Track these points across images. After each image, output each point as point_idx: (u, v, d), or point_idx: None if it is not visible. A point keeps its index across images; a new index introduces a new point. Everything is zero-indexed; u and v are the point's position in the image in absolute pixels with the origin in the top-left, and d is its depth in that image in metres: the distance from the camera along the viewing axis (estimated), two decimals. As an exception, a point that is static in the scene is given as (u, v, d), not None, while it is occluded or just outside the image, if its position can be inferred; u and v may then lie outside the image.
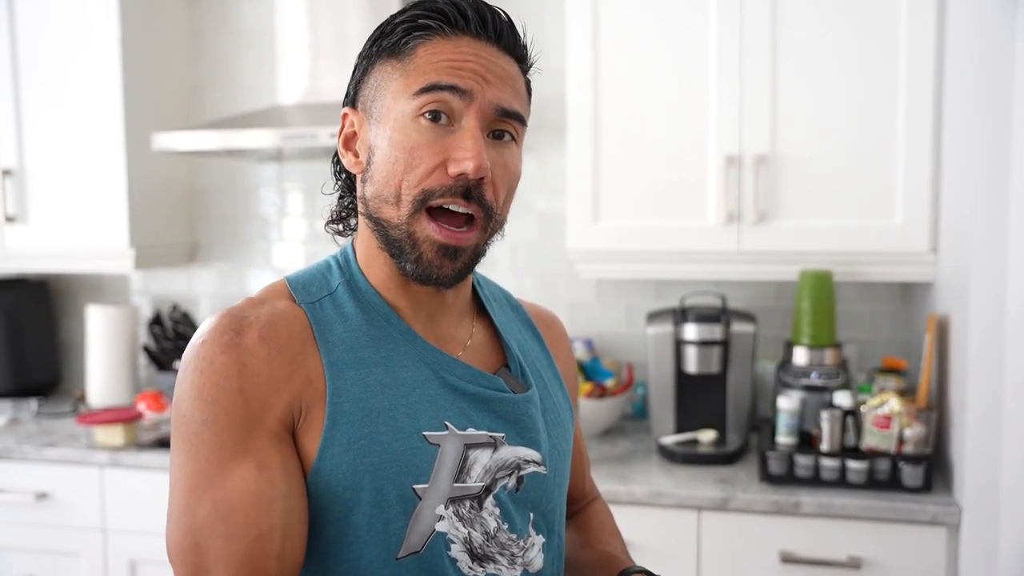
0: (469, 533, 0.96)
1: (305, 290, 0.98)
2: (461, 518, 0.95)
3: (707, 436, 2.30)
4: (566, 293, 2.77)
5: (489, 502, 0.98)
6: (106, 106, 2.63)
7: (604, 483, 2.10)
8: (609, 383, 2.52)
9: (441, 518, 0.94)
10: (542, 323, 1.18)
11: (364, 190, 0.98)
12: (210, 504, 0.87)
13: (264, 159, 2.87)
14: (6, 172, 2.71)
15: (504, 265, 2.78)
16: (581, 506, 1.26)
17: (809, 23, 2.23)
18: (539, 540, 1.03)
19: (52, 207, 2.71)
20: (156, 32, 2.80)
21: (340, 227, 1.07)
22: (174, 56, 2.90)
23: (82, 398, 2.91)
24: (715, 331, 2.28)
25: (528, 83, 1.01)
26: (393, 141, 0.93)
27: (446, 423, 0.95)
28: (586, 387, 2.46)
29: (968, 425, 1.90)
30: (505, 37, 0.96)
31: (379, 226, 0.96)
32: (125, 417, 2.41)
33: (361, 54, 1.00)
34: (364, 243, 1.01)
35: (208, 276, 3.03)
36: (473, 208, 0.93)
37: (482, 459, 0.97)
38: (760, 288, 2.63)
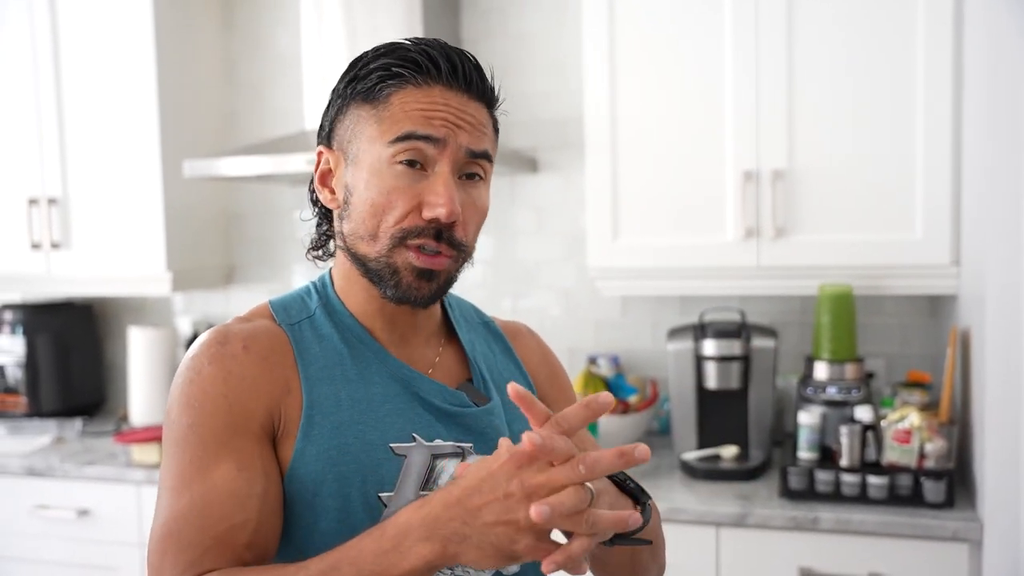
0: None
1: (286, 312, 1.06)
2: None
3: (729, 452, 2.30)
4: (591, 310, 2.79)
5: None
6: (143, 134, 2.73)
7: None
8: (632, 399, 2.53)
9: None
10: (511, 334, 1.22)
11: (341, 226, 1.04)
12: (189, 498, 0.93)
13: (297, 182, 2.95)
14: (51, 201, 2.83)
15: (529, 282, 2.81)
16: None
17: (826, 37, 2.23)
18: None
19: (93, 233, 2.82)
20: (191, 60, 2.90)
21: (320, 253, 1.13)
22: (209, 83, 3.00)
23: (125, 417, 3.01)
24: (734, 346, 2.28)
25: (495, 121, 1.07)
26: (370, 184, 0.99)
27: (414, 435, 1.01)
28: (609, 403, 2.47)
29: (988, 439, 1.88)
30: (474, 84, 1.02)
31: (356, 259, 1.04)
32: (160, 436, 2.48)
33: (335, 92, 1.06)
34: (342, 270, 1.08)
35: (246, 297, 3.11)
36: (443, 247, 1.00)
37: (450, 468, 1.01)
38: (784, 303, 2.62)
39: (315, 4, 2.63)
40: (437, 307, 1.13)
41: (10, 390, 2.99)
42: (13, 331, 2.96)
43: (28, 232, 2.85)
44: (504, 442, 0.82)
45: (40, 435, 2.84)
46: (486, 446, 1.05)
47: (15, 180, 2.87)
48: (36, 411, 2.98)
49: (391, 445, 1.00)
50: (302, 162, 2.41)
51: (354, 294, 1.07)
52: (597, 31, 2.37)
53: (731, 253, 2.31)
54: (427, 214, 0.98)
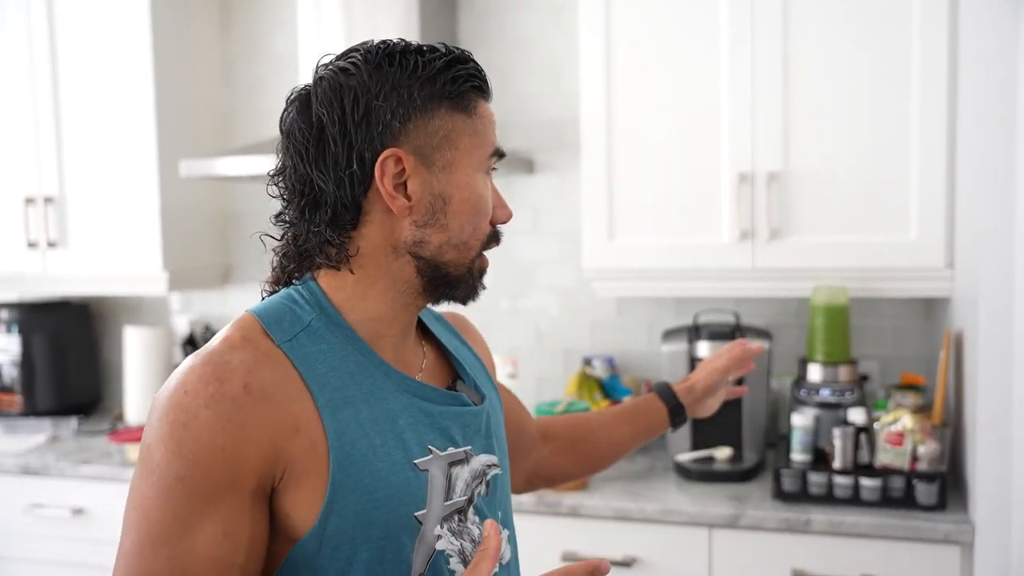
0: (461, 545, 1.02)
1: (279, 326, 0.96)
2: (454, 533, 1.00)
3: (723, 453, 2.31)
4: (587, 311, 2.79)
5: (470, 512, 1.04)
6: (140, 133, 2.74)
7: (617, 499, 2.12)
8: (627, 400, 2.53)
9: (439, 537, 0.99)
10: (459, 326, 1.24)
11: (421, 234, 0.99)
12: (166, 558, 0.87)
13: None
14: (48, 200, 2.83)
15: (525, 283, 2.81)
16: (545, 431, 1.40)
17: (821, 40, 2.23)
18: (505, 533, 1.11)
19: (90, 232, 2.82)
20: (188, 60, 2.90)
21: (277, 288, 1.05)
22: (206, 83, 3.00)
23: (120, 417, 3.01)
24: (728, 348, 2.28)
25: None
26: (474, 193, 1.01)
27: (429, 447, 1.00)
28: (603, 404, 2.47)
29: (979, 442, 1.88)
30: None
31: (434, 266, 1.00)
32: (155, 435, 2.49)
33: (407, 92, 0.97)
34: (360, 282, 1.00)
35: (242, 297, 3.11)
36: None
37: (462, 474, 1.03)
38: (780, 305, 2.62)
39: (313, 5, 2.64)
40: None
41: (6, 389, 2.99)
42: (9, 330, 2.96)
43: (24, 231, 2.85)
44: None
45: (35, 434, 2.85)
46: (483, 444, 1.08)
47: (12, 179, 2.87)
48: (32, 410, 2.98)
49: (415, 462, 0.98)
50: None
51: (368, 304, 1.00)
52: (593, 33, 2.37)
53: (726, 255, 2.31)
54: (502, 217, 1.05)
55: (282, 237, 1.04)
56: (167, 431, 0.88)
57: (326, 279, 1.01)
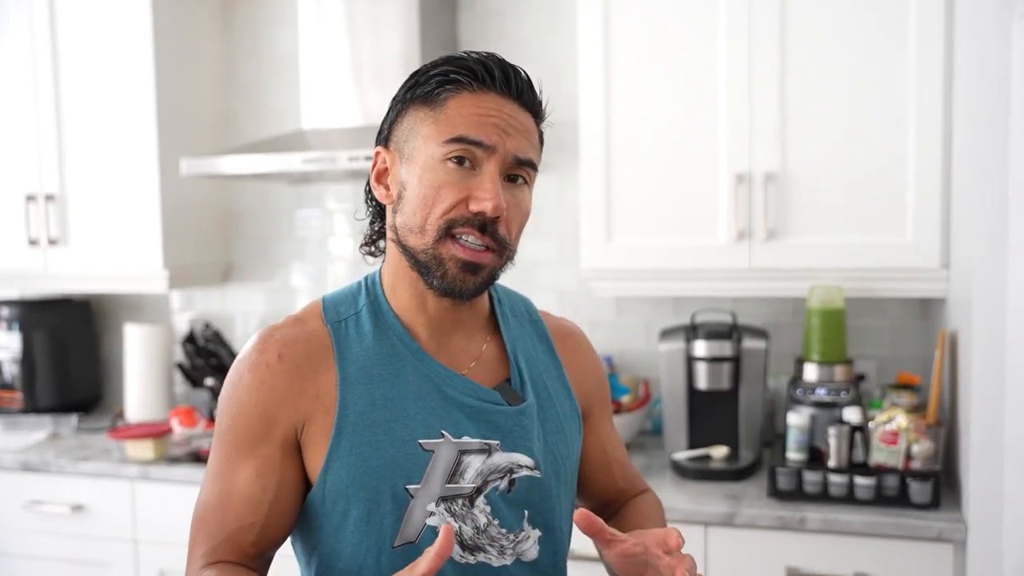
0: (460, 527, 1.10)
1: (335, 309, 1.15)
2: (453, 514, 1.09)
3: (719, 452, 2.32)
4: (586, 310, 2.81)
5: (480, 501, 1.11)
6: (141, 132, 2.75)
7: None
8: (625, 399, 2.55)
9: (432, 514, 1.08)
10: (558, 336, 1.26)
11: (395, 219, 1.11)
12: (217, 491, 1.10)
13: (295, 182, 2.97)
14: (49, 197, 2.85)
15: (524, 283, 2.83)
16: (624, 500, 1.35)
17: (818, 42, 2.24)
18: (535, 534, 1.16)
19: (91, 230, 2.83)
20: (190, 60, 2.91)
21: (371, 249, 1.20)
22: (207, 83, 3.02)
23: (121, 414, 3.03)
24: (725, 347, 2.30)
25: (541, 134, 1.15)
26: (423, 180, 1.07)
27: (443, 432, 1.09)
28: (601, 403, 2.48)
29: (972, 441, 1.90)
30: (525, 94, 1.11)
31: (406, 251, 1.10)
32: (155, 432, 2.51)
33: (396, 99, 1.13)
34: (391, 267, 1.15)
35: (243, 295, 3.13)
36: (487, 241, 1.07)
37: (475, 463, 1.10)
38: (778, 304, 2.64)
39: (315, 4, 2.66)
40: (484, 302, 1.19)
41: (6, 386, 3.00)
42: (10, 327, 2.98)
43: (25, 228, 2.87)
44: None
45: (35, 431, 2.86)
46: (514, 444, 1.13)
47: (13, 177, 2.89)
48: (32, 407, 2.99)
49: (420, 441, 1.08)
50: (299, 161, 2.43)
51: (400, 291, 1.14)
52: (591, 34, 2.39)
53: (723, 255, 2.33)
54: (474, 207, 1.05)
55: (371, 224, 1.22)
56: (226, 391, 1.11)
57: (384, 268, 1.17)
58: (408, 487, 1.07)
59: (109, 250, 2.82)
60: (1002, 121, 1.77)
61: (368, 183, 1.17)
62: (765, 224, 2.28)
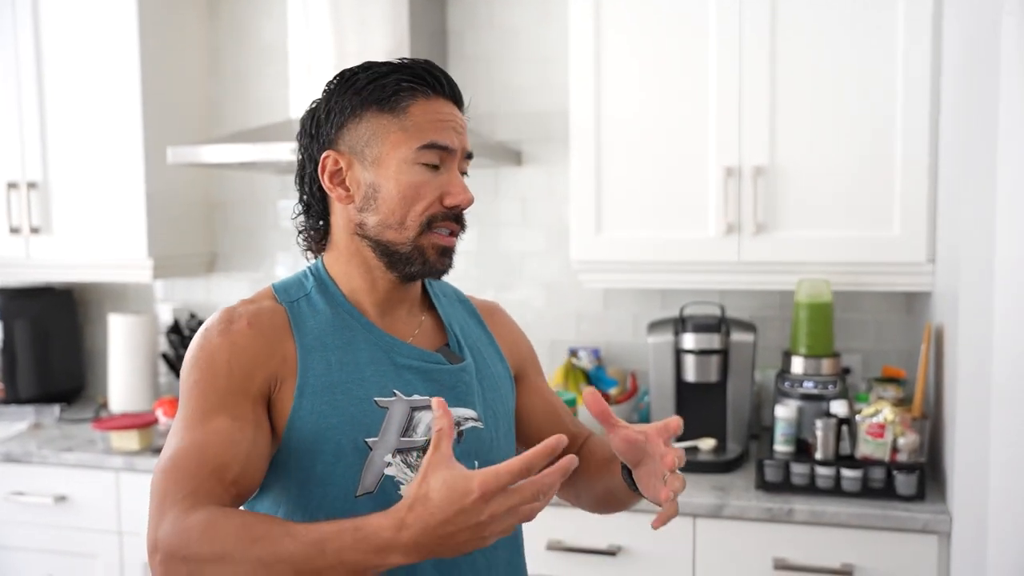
0: (415, 477, 1.10)
1: (286, 292, 1.25)
2: (409, 465, 1.18)
3: (707, 444, 2.33)
4: (574, 303, 2.81)
5: None
6: (126, 121, 2.73)
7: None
8: (613, 391, 2.56)
9: (389, 464, 1.17)
10: (485, 312, 1.41)
11: (361, 218, 1.21)
12: (191, 439, 1.11)
13: (282, 171, 2.95)
14: (31, 185, 2.82)
15: (512, 275, 2.83)
16: (578, 444, 1.42)
17: (808, 35, 2.25)
18: None
19: (74, 219, 2.81)
20: (175, 49, 2.89)
21: (319, 245, 1.29)
22: (193, 72, 2.99)
23: (105, 404, 3.00)
24: (713, 340, 2.31)
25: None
26: (400, 182, 1.18)
27: (395, 391, 1.19)
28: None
29: (957, 434, 1.92)
30: (458, 95, 1.24)
31: (380, 245, 1.21)
32: (140, 423, 2.49)
33: (337, 103, 1.21)
34: (343, 256, 1.25)
35: (227, 285, 3.11)
36: (455, 228, 1.23)
37: (426, 419, 1.19)
38: (765, 298, 2.65)
39: (301, -7, 2.63)
40: (418, 283, 1.30)
41: (-12, 376, 2.97)
42: (-8, 316, 2.95)
43: (7, 216, 2.84)
44: (476, 479, 0.92)
45: (18, 421, 2.83)
46: (458, 399, 1.23)
47: (-5, 164, 2.85)
48: (14, 397, 2.96)
49: (375, 399, 1.18)
50: (286, 151, 2.41)
51: (353, 275, 1.24)
52: (583, 25, 2.39)
53: (712, 248, 2.34)
54: (449, 202, 1.19)
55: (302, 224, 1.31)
56: (191, 353, 1.17)
57: (327, 258, 1.27)
58: (367, 440, 1.16)
59: (93, 239, 2.80)
60: (990, 116, 1.79)
61: (305, 185, 1.25)
62: (754, 218, 2.29)
